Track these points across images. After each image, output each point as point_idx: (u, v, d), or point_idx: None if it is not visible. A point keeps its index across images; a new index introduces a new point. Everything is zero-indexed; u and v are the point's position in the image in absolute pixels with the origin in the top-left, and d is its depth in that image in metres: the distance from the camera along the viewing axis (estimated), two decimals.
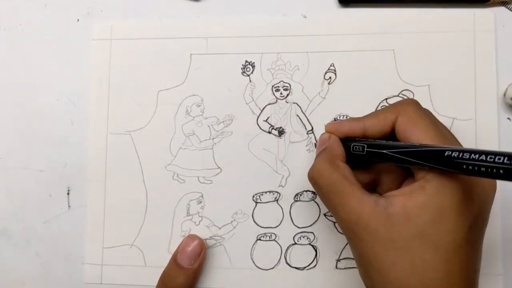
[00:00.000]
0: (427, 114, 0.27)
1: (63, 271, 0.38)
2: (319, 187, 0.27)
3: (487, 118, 0.35)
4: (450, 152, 0.23)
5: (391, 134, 0.28)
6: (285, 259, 0.36)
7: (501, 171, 0.20)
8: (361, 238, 0.25)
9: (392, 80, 0.36)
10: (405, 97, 0.36)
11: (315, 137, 0.36)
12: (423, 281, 0.23)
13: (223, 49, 0.37)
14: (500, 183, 0.34)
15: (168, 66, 0.37)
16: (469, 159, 0.22)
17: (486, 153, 0.21)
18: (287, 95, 0.36)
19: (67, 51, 0.38)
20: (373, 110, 0.35)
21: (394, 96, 0.36)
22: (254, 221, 0.36)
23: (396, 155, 0.26)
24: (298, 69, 0.36)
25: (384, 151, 0.27)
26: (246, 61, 0.37)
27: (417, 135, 0.26)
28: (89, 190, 0.37)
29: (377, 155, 0.27)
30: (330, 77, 0.36)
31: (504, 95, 0.35)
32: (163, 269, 0.35)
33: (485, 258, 0.34)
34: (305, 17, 0.37)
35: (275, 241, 0.36)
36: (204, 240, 0.36)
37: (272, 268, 0.36)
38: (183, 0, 0.38)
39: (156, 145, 0.37)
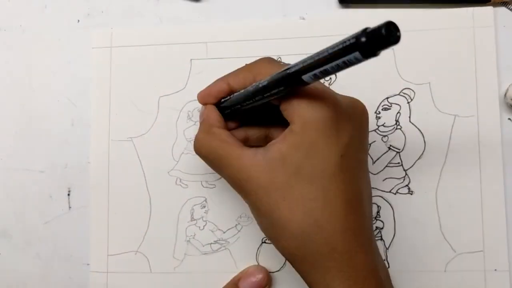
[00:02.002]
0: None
1: (64, 272, 0.37)
2: (204, 158, 0.29)
3: (489, 115, 0.35)
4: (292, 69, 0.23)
5: None
6: None
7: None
8: (247, 190, 0.26)
9: (392, 79, 0.36)
10: (406, 96, 0.36)
11: None
12: (305, 212, 0.24)
13: (223, 53, 0.37)
14: (502, 182, 0.34)
15: (168, 72, 0.37)
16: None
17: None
18: None
19: (67, 52, 0.38)
20: (374, 110, 0.35)
21: (395, 95, 0.36)
22: None
23: (252, 99, 0.27)
24: None
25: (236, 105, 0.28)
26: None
27: None
28: (93, 197, 0.37)
29: (239, 107, 0.28)
30: (330, 78, 0.36)
31: (505, 95, 0.35)
32: (168, 275, 0.35)
33: (491, 255, 0.34)
34: (304, 18, 0.36)
35: None
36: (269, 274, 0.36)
37: (278, 270, 0.36)
38: (183, 1, 0.38)
39: (158, 151, 0.37)
